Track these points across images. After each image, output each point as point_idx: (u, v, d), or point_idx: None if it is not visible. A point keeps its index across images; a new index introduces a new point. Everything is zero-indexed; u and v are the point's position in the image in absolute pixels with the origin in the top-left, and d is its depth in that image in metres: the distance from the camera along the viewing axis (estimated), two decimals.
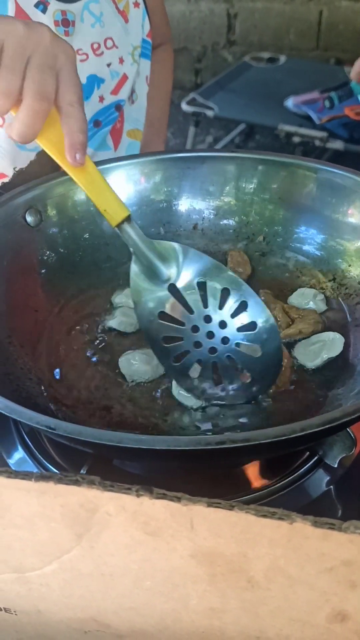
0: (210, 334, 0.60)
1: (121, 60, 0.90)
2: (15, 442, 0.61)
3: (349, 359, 0.62)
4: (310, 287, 0.71)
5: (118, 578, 0.41)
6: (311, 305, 0.69)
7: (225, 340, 0.60)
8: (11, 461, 0.60)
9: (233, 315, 0.60)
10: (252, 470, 0.56)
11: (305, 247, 0.74)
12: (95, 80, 0.88)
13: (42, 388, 0.59)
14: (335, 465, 0.55)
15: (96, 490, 0.36)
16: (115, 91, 0.92)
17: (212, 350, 0.60)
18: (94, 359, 0.64)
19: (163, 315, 0.61)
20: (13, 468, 0.57)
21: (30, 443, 0.60)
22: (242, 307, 0.60)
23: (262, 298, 0.68)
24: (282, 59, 2.84)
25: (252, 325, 0.59)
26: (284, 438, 0.39)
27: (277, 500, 0.53)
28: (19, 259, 0.67)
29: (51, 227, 0.71)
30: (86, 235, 0.73)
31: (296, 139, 2.26)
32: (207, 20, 3.25)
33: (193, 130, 2.57)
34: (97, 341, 0.67)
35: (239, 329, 0.60)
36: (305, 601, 0.38)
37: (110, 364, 0.64)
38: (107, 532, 0.38)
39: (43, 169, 0.70)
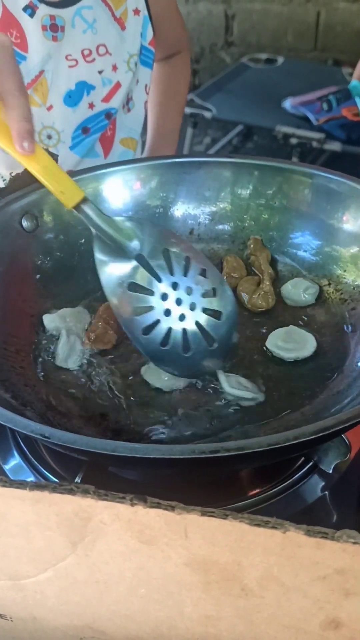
0: (179, 301, 0.61)
1: (115, 68, 0.89)
2: (11, 448, 0.61)
3: (346, 364, 0.62)
4: None
5: (113, 585, 0.41)
6: (301, 296, 0.70)
7: (192, 306, 0.61)
8: (7, 467, 0.60)
9: (196, 282, 0.61)
10: (247, 476, 0.56)
11: (300, 253, 0.74)
12: (84, 87, 0.88)
13: (38, 395, 0.59)
14: (330, 471, 0.55)
15: (90, 499, 0.36)
16: (106, 99, 0.91)
17: (182, 317, 0.61)
18: (90, 365, 0.65)
19: (132, 286, 0.61)
20: (8, 474, 0.58)
21: (25, 449, 0.60)
22: (202, 274, 0.62)
23: (251, 245, 0.74)
24: (280, 60, 2.84)
25: (213, 292, 0.62)
26: (277, 446, 0.39)
27: (272, 506, 0.53)
28: (15, 264, 0.67)
29: (47, 232, 0.71)
30: (82, 241, 0.73)
31: (294, 141, 2.26)
32: (205, 22, 3.25)
33: (191, 132, 2.57)
34: (94, 347, 0.66)
35: (203, 295, 0.61)
36: (299, 609, 0.38)
37: (107, 371, 0.64)
38: (101, 540, 0.38)
39: None
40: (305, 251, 0.74)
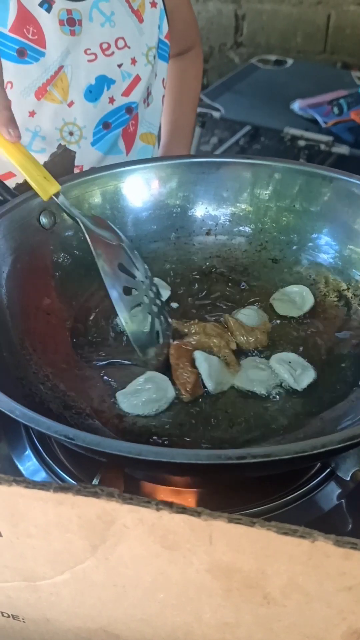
0: (150, 290, 0.69)
1: (134, 61, 0.89)
2: (25, 446, 0.60)
3: None
4: (324, 295, 0.71)
5: (131, 589, 0.41)
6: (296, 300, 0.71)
7: (157, 296, 0.70)
8: (21, 465, 0.59)
9: (152, 282, 0.70)
10: (264, 482, 0.56)
11: (320, 256, 0.74)
12: (104, 81, 0.87)
13: (55, 393, 0.58)
14: (348, 479, 0.55)
15: (115, 502, 0.36)
16: (126, 93, 0.90)
17: (154, 302, 0.68)
18: (106, 363, 0.64)
19: (121, 266, 0.67)
20: (22, 471, 0.57)
21: (40, 448, 0.60)
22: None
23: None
24: (289, 61, 2.84)
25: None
26: (304, 454, 0.38)
27: (288, 513, 0.53)
28: (33, 261, 0.67)
29: (65, 229, 0.71)
30: None
31: (301, 143, 2.26)
32: (214, 21, 3.24)
33: (198, 131, 2.56)
34: (110, 346, 0.66)
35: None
36: (322, 618, 0.37)
37: (123, 371, 0.63)
38: (123, 544, 0.37)
39: (55, 170, 0.70)
40: (325, 254, 0.73)
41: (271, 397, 0.60)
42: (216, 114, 2.40)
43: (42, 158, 0.74)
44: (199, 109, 2.44)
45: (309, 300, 0.71)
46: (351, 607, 0.36)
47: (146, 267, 0.71)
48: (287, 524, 0.34)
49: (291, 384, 0.61)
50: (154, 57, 0.92)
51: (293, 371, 0.62)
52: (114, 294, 0.64)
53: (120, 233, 0.70)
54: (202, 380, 0.61)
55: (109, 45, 0.85)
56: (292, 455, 0.38)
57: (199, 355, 0.63)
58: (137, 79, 0.90)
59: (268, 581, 0.36)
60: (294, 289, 0.73)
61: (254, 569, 0.36)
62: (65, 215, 0.70)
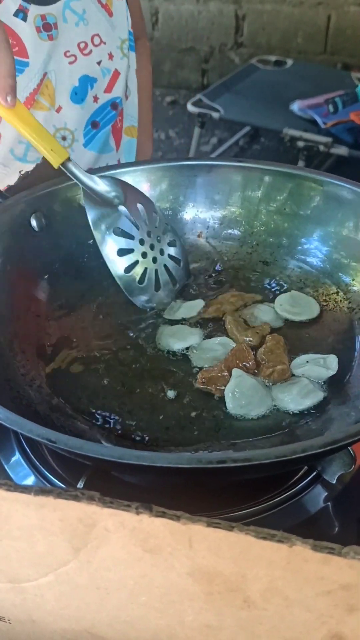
0: (152, 246, 0.73)
1: (110, 56, 0.88)
2: (13, 449, 0.61)
3: (352, 373, 0.61)
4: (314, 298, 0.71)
5: (114, 592, 0.41)
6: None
7: (161, 252, 0.74)
8: (9, 468, 0.59)
9: (163, 232, 0.74)
10: (250, 485, 0.56)
11: (310, 259, 0.74)
12: (87, 81, 0.86)
13: (42, 395, 0.59)
14: (334, 482, 0.55)
15: (95, 506, 0.36)
16: (108, 89, 0.89)
17: (154, 259, 0.73)
18: (95, 367, 0.64)
19: (117, 230, 0.71)
20: (10, 474, 0.58)
21: (28, 450, 0.60)
22: (167, 227, 0.75)
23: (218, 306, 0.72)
24: (289, 62, 2.84)
25: (175, 242, 0.75)
26: (285, 459, 0.38)
27: (274, 515, 0.53)
28: (23, 263, 0.67)
29: (56, 231, 0.71)
30: (90, 241, 0.72)
31: (300, 144, 2.26)
32: (215, 21, 3.24)
33: (198, 131, 2.57)
34: (99, 349, 0.66)
35: (169, 244, 0.75)
36: (302, 622, 0.38)
37: (112, 373, 0.63)
38: (105, 547, 0.38)
39: (48, 172, 0.70)
40: (314, 258, 0.73)
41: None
42: (215, 115, 2.40)
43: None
44: (199, 110, 2.45)
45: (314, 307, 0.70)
46: (330, 612, 0.36)
47: (157, 215, 0.74)
48: (266, 529, 0.34)
49: (292, 409, 0.59)
50: (128, 49, 0.91)
51: (298, 397, 0.59)
52: (107, 257, 0.70)
53: (131, 192, 0.73)
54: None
55: (86, 44, 0.84)
56: (273, 460, 0.38)
57: (235, 373, 0.61)
58: (117, 73, 0.90)
59: (248, 585, 0.37)
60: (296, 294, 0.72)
61: (234, 572, 0.36)
62: (57, 218, 0.70)
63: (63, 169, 0.68)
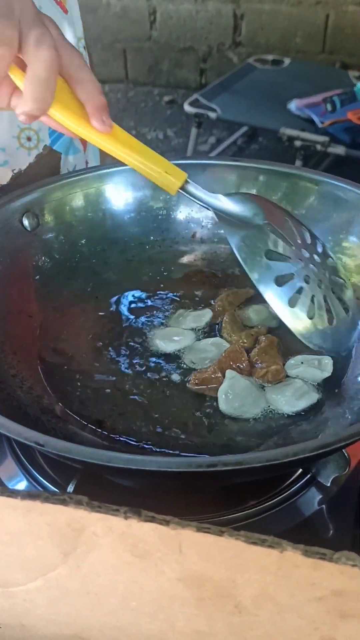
0: (312, 267, 0.58)
1: None
2: (6, 452, 0.60)
3: (346, 377, 0.61)
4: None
5: (104, 597, 0.40)
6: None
7: (324, 272, 0.59)
8: (1, 471, 0.59)
9: (320, 250, 0.59)
10: (244, 487, 0.55)
11: None
12: None
13: (33, 397, 0.58)
14: (328, 484, 0.54)
15: (83, 510, 0.35)
16: None
17: (319, 283, 0.58)
18: (88, 368, 0.64)
19: (269, 254, 0.58)
20: (3, 479, 0.57)
21: (20, 453, 0.60)
22: (319, 242, 0.60)
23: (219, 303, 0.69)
24: (287, 61, 2.83)
25: (332, 257, 0.60)
26: (277, 462, 0.38)
27: (268, 519, 0.52)
28: (15, 263, 0.66)
29: (48, 231, 0.70)
30: (83, 241, 0.72)
31: (298, 143, 2.25)
32: (213, 21, 3.24)
33: (195, 131, 2.56)
34: (92, 350, 0.66)
35: (329, 262, 0.60)
36: (294, 628, 0.37)
37: (104, 375, 0.63)
38: (94, 552, 0.37)
39: (41, 172, 0.70)
40: None
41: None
42: (213, 115, 2.39)
43: (6, 171, 0.71)
44: (196, 110, 2.44)
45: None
46: (322, 618, 0.36)
47: (307, 233, 0.60)
48: (257, 534, 0.33)
49: (286, 411, 0.58)
50: (84, 47, 0.89)
51: (293, 399, 0.58)
52: (267, 292, 0.56)
53: (268, 205, 0.61)
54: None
55: None
56: (264, 464, 0.38)
57: (228, 374, 0.59)
58: None
59: (239, 590, 0.36)
60: None
61: (224, 578, 0.36)
62: (49, 217, 0.70)
63: (183, 192, 0.58)
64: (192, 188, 0.59)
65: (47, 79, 0.50)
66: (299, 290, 0.57)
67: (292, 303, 0.56)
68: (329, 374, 0.60)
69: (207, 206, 0.59)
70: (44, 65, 0.50)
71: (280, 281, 0.57)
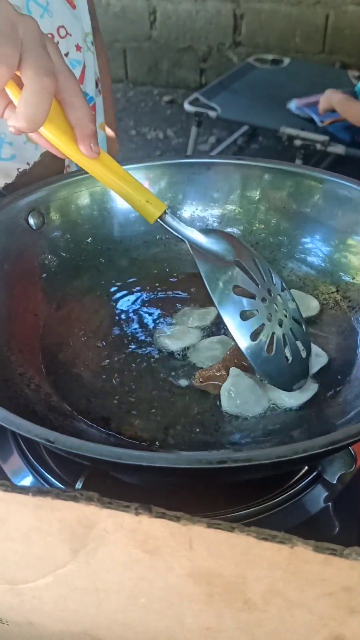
0: (275, 307, 0.61)
1: (78, 48, 0.85)
2: (11, 447, 0.60)
3: (352, 373, 0.61)
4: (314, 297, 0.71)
5: (113, 594, 0.40)
6: None
7: (285, 312, 0.61)
8: (7, 468, 0.59)
9: (282, 290, 0.62)
10: (250, 485, 0.56)
11: (310, 258, 0.73)
12: None
13: (40, 395, 0.58)
14: (334, 482, 0.54)
15: (94, 507, 0.35)
16: (79, 82, 0.87)
17: (280, 322, 0.60)
18: (94, 367, 0.64)
19: (236, 289, 0.60)
20: (8, 474, 0.57)
21: (26, 449, 0.60)
22: (284, 286, 0.63)
23: None
24: (286, 61, 2.83)
25: (294, 302, 0.63)
26: (285, 459, 0.38)
27: (274, 516, 0.52)
28: (21, 262, 0.66)
29: (53, 230, 0.71)
30: (89, 240, 0.72)
31: (297, 142, 2.25)
32: (213, 20, 3.24)
33: (195, 131, 2.56)
34: (98, 349, 0.66)
35: (290, 302, 0.62)
36: (303, 624, 0.37)
37: (110, 373, 0.63)
38: (104, 548, 0.37)
39: (46, 170, 0.70)
40: (314, 257, 0.73)
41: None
42: (213, 114, 2.39)
43: (15, 165, 0.71)
44: (195, 109, 2.44)
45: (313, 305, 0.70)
46: (332, 613, 0.36)
47: (272, 272, 0.63)
48: (267, 530, 0.33)
49: (291, 405, 0.59)
50: (92, 43, 0.89)
51: (296, 392, 0.59)
52: (231, 324, 0.58)
53: (238, 245, 0.63)
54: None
55: (52, 36, 0.82)
56: (273, 460, 0.38)
57: (232, 372, 0.60)
58: (84, 66, 0.87)
59: (249, 586, 0.36)
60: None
61: (234, 574, 0.36)
62: (55, 216, 0.70)
63: (161, 222, 0.60)
64: (170, 219, 0.60)
65: (40, 103, 0.51)
66: (261, 327, 0.59)
67: (253, 337, 0.58)
68: (327, 360, 0.62)
69: (182, 238, 0.61)
70: (39, 89, 0.50)
71: (244, 316, 0.59)
